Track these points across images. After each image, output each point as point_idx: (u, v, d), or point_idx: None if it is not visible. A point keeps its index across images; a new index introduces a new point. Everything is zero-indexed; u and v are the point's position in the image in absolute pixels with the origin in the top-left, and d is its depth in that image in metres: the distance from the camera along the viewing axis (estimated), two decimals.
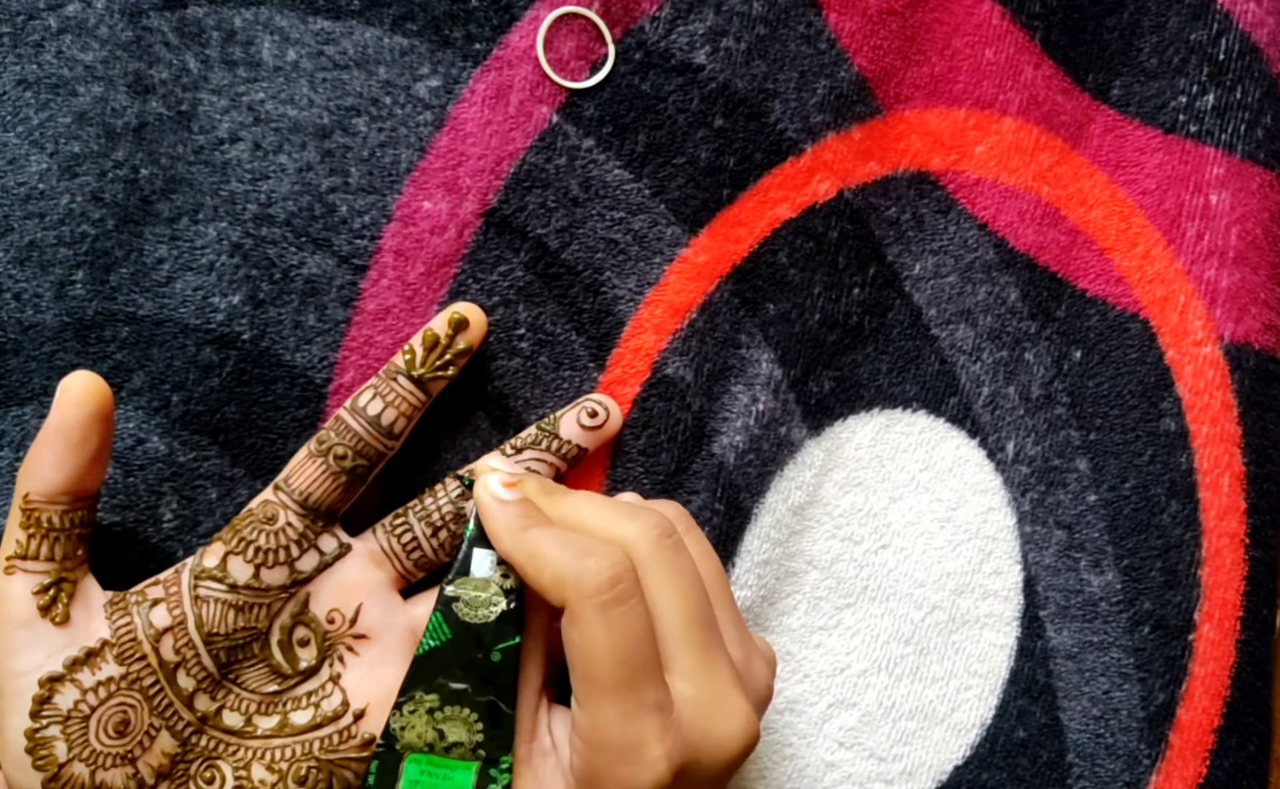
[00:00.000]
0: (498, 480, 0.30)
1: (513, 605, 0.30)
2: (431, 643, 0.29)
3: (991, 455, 0.39)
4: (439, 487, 0.34)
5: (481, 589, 0.29)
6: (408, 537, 0.33)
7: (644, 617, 0.27)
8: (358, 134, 0.34)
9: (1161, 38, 0.39)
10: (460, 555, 0.30)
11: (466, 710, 0.29)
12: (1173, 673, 0.37)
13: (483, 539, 0.30)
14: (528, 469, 0.34)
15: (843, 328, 0.38)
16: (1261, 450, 0.38)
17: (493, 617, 0.29)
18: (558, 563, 0.27)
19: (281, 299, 0.33)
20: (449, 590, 0.30)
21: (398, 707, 0.29)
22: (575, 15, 0.35)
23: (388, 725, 0.29)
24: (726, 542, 0.37)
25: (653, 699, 0.27)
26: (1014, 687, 0.38)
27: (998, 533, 0.39)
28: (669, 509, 0.32)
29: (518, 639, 0.30)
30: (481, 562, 0.30)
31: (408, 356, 0.33)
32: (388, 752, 0.29)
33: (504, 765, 0.29)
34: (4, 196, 0.32)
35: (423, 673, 0.29)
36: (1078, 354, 0.39)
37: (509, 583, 0.30)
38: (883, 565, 0.38)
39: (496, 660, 0.29)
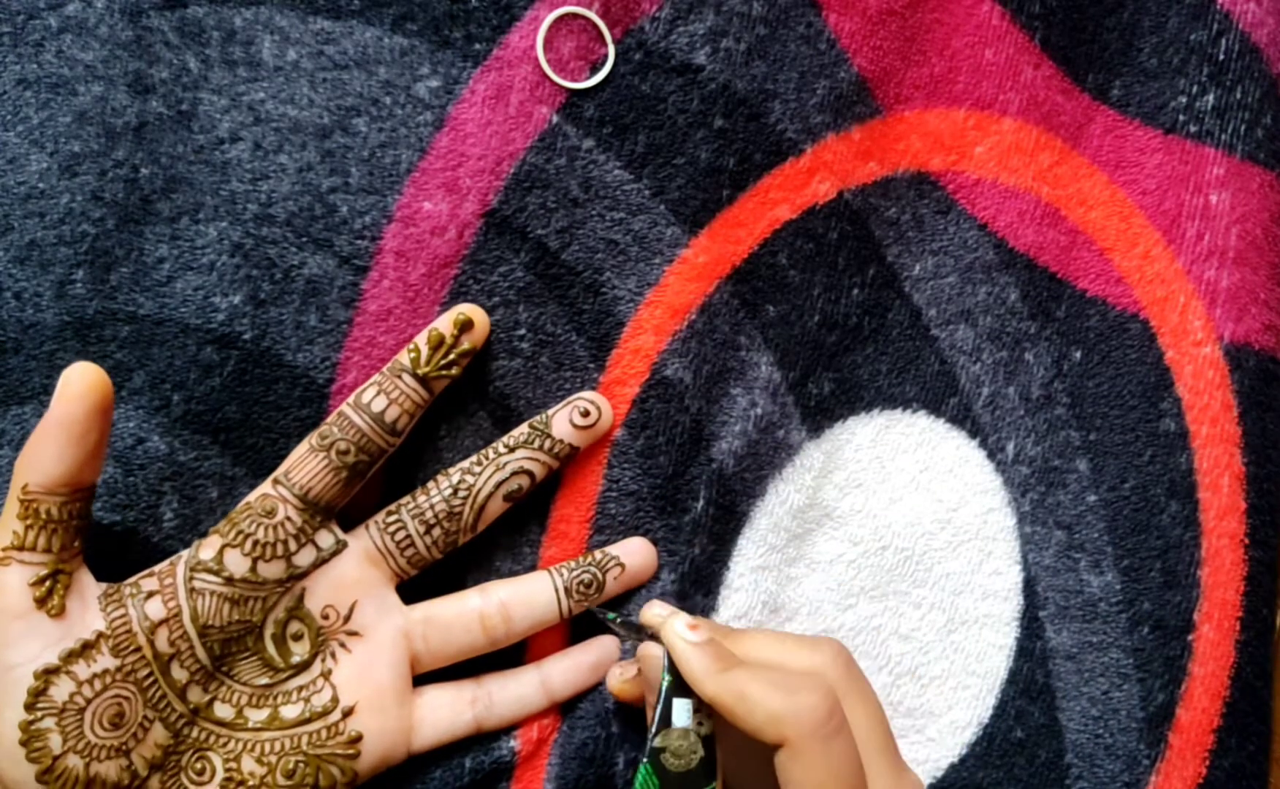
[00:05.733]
0: (684, 623, 0.30)
1: (708, 751, 0.30)
2: None
3: (991, 456, 0.39)
4: (431, 484, 0.34)
5: (683, 738, 0.30)
6: (401, 534, 0.33)
7: (854, 742, 0.28)
8: (358, 134, 0.34)
9: (1161, 38, 0.39)
10: (661, 707, 0.30)
11: None
12: (1172, 673, 0.37)
13: (680, 688, 0.30)
14: (521, 468, 0.34)
15: (842, 329, 0.38)
16: (1261, 450, 0.38)
17: (694, 764, 0.30)
18: (770, 702, 0.28)
19: (283, 299, 0.33)
20: (656, 742, 0.29)
21: None
22: (575, 15, 0.35)
23: None
24: (721, 545, 0.37)
25: None
26: (1012, 687, 0.38)
27: (998, 534, 0.39)
28: (829, 641, 0.33)
29: (715, 784, 0.30)
30: (681, 712, 0.30)
31: (413, 354, 0.33)
32: None
33: None
34: (4, 196, 0.32)
35: None
36: (1078, 354, 0.39)
37: (703, 730, 0.30)
38: (883, 567, 0.38)
39: None
